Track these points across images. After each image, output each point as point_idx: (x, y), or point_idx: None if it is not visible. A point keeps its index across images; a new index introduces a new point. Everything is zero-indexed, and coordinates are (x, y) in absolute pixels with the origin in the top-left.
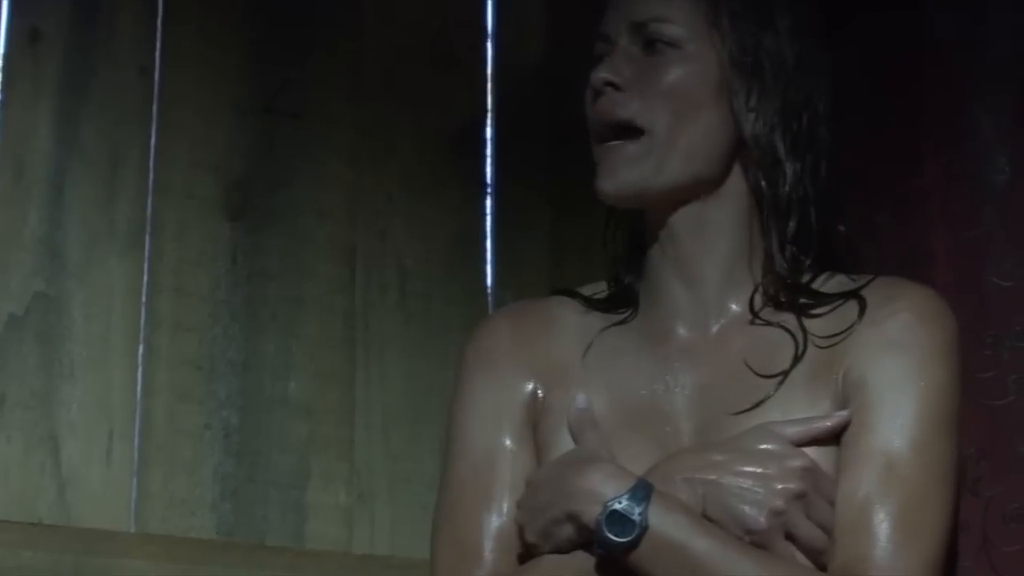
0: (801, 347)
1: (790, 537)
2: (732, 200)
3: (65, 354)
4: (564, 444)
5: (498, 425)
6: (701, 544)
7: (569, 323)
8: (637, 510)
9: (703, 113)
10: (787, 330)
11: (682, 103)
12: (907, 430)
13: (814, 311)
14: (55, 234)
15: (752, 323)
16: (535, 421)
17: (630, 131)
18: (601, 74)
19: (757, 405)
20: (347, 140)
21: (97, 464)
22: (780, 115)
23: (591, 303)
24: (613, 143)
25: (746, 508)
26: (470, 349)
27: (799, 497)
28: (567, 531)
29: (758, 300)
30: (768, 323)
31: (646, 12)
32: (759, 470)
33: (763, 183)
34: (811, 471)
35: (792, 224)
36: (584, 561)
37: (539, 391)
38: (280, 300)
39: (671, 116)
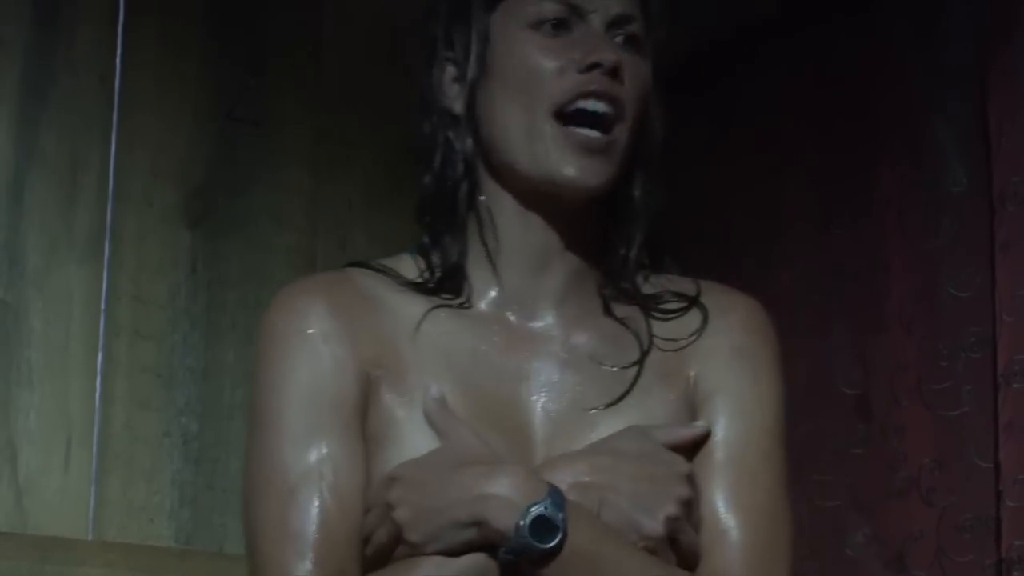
0: (646, 347)
1: (674, 542)
2: (602, 201)
3: (23, 361)
4: (406, 436)
5: (324, 412)
6: (610, 552)
7: (386, 299)
8: (560, 516)
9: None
10: (631, 330)
11: (641, 107)
12: (756, 441)
13: (656, 313)
14: (14, 241)
15: (597, 317)
16: (365, 407)
17: (605, 122)
18: (615, 56)
19: (611, 404)
20: (307, 148)
21: (55, 472)
22: (663, 123)
23: (416, 285)
24: (596, 135)
25: (643, 515)
26: (281, 324)
27: (687, 503)
28: (467, 534)
29: (605, 295)
30: (614, 318)
31: (629, 6)
32: (651, 476)
33: (648, 190)
34: (693, 477)
35: (650, 228)
36: (474, 565)
37: (369, 374)
38: (240, 308)
39: (634, 118)
